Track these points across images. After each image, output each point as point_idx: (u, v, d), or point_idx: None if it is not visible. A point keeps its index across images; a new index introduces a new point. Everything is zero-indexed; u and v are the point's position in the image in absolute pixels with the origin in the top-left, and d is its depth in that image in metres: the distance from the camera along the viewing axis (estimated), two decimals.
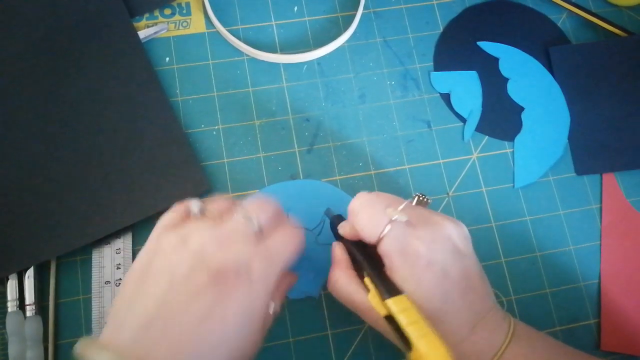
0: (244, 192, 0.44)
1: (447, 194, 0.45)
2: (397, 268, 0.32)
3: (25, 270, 0.40)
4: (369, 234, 0.33)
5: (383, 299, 0.30)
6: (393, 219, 0.32)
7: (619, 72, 0.49)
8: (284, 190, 0.43)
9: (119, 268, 0.41)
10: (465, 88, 0.48)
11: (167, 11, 0.48)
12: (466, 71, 0.49)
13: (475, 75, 0.48)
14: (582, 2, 0.51)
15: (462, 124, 0.47)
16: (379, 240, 0.33)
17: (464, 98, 0.48)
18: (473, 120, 0.47)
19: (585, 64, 0.49)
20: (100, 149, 0.43)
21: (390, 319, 0.30)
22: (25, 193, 0.41)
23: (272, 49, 0.48)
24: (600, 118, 0.48)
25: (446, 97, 0.48)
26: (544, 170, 0.46)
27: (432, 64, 0.49)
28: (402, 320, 0.29)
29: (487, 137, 0.47)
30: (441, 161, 0.46)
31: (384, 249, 0.32)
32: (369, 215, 0.33)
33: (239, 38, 0.47)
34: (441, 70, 0.49)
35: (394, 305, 0.30)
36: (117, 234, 0.41)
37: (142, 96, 0.44)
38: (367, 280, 0.33)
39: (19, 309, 0.40)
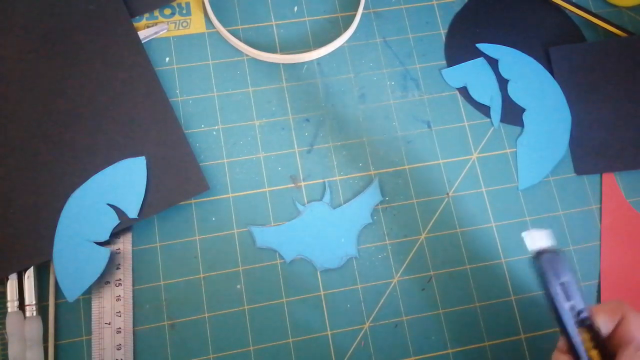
0: (243, 192, 0.44)
1: (447, 194, 0.45)
2: None
3: (25, 270, 0.40)
4: None
5: None
6: None
7: (619, 73, 0.49)
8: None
9: (119, 268, 0.41)
10: (479, 76, 0.48)
11: (167, 11, 0.48)
12: (474, 60, 0.49)
13: (483, 61, 0.49)
14: (582, 2, 0.51)
15: (463, 123, 0.47)
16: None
17: (481, 86, 0.48)
18: (497, 105, 0.47)
19: (586, 64, 0.49)
20: (100, 149, 0.43)
21: None
22: (26, 193, 0.41)
23: (272, 49, 0.48)
24: (600, 118, 0.48)
25: (445, 98, 0.48)
26: (548, 171, 0.46)
27: (432, 64, 0.49)
28: None
29: (487, 137, 0.47)
30: (441, 161, 0.46)
31: None
32: None
33: (239, 38, 0.47)
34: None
35: None
36: (116, 234, 0.41)
37: (142, 96, 0.44)
38: None
39: (19, 309, 0.40)
